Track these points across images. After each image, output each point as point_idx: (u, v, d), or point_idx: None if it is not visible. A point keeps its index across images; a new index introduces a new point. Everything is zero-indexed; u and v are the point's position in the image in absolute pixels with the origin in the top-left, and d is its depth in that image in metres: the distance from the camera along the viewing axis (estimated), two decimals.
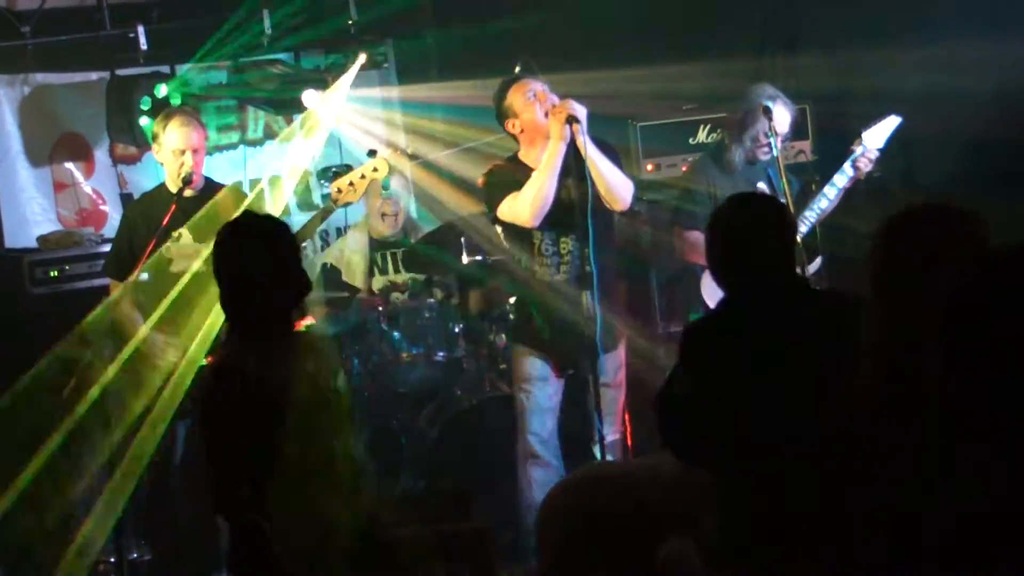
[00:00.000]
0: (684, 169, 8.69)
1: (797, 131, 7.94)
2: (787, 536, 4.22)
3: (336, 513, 4.82)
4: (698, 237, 7.35)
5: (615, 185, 6.96)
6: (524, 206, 7.01)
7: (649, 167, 8.88)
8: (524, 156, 7.22)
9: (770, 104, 7.44)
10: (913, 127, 7.65)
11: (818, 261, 7.69)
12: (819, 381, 4.12)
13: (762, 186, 7.53)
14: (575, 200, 6.93)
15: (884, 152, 7.52)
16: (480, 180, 7.34)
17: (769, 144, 7.48)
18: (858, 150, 7.50)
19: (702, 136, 8.93)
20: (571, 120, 6.84)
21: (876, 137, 7.51)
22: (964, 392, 2.71)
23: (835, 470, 4.11)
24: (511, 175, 7.14)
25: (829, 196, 7.53)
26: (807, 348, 4.41)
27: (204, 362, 7.09)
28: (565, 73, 7.47)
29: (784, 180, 7.32)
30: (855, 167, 7.51)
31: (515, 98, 7.12)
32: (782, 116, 7.54)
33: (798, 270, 6.77)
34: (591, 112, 6.94)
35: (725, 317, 4.82)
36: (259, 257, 4.90)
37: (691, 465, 4.89)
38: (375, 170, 7.41)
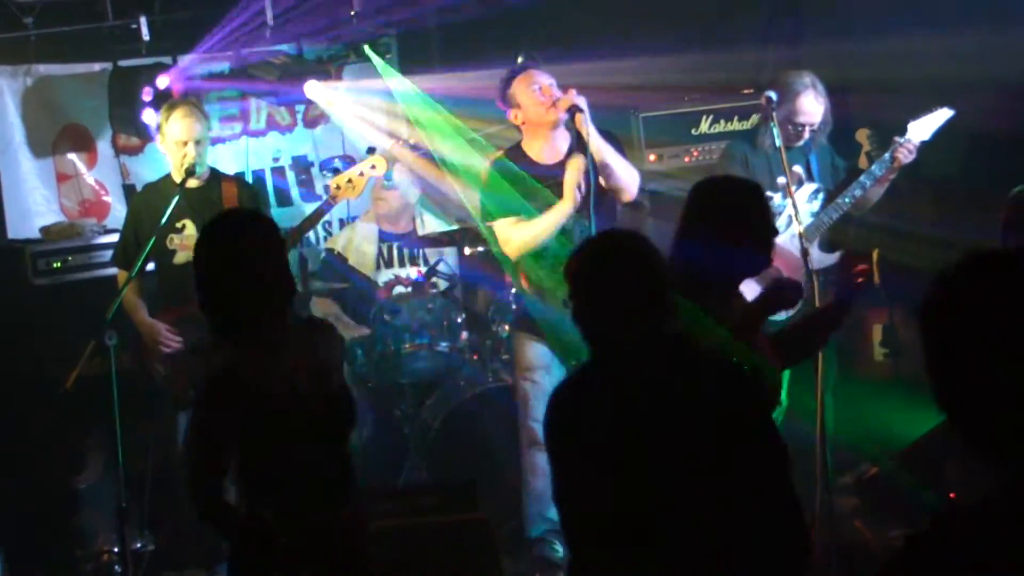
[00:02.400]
0: (687, 160, 8.74)
1: None
2: None
3: (325, 508, 4.78)
4: None
5: (620, 175, 6.97)
6: (515, 243, 7.09)
7: (652, 158, 8.88)
8: (527, 146, 7.23)
9: (772, 95, 7.42)
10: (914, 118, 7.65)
11: (838, 254, 7.71)
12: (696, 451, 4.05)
13: (798, 169, 7.54)
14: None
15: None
16: (482, 173, 7.35)
17: (799, 131, 7.53)
18: (900, 140, 7.50)
19: (705, 127, 8.93)
20: (574, 109, 6.86)
21: (922, 129, 7.51)
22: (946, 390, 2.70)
23: None
24: (512, 172, 7.15)
25: (865, 184, 7.52)
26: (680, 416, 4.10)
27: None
28: (568, 64, 7.46)
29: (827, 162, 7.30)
30: (894, 157, 7.51)
31: (519, 89, 7.13)
32: (812, 105, 7.56)
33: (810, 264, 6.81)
34: (594, 103, 6.95)
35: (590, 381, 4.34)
36: (236, 255, 4.68)
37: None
38: (373, 167, 7.46)
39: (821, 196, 7.67)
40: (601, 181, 6.91)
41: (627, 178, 7.01)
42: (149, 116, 8.30)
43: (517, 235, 7.08)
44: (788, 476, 4.19)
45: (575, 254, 4.47)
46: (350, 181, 7.42)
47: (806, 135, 7.65)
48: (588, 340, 4.30)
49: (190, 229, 7.45)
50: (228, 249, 4.70)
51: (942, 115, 7.52)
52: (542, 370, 7.16)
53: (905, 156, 7.50)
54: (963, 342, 2.62)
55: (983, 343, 2.59)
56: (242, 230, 4.78)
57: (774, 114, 7.37)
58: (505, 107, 7.23)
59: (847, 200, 7.55)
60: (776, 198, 7.31)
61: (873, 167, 7.55)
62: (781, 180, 7.29)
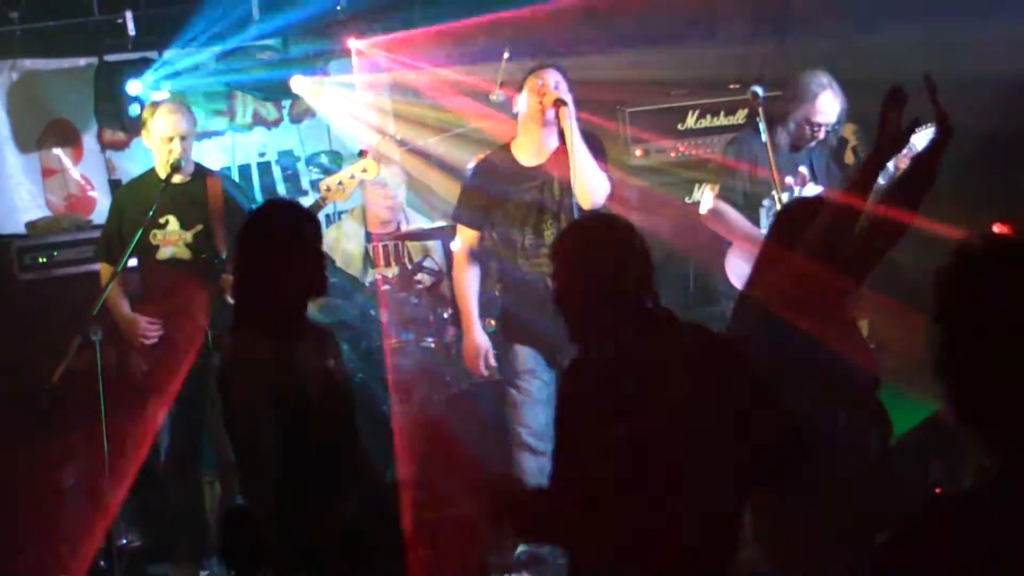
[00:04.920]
0: (672, 155, 8.74)
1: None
2: None
3: (335, 503, 4.80)
4: (727, 210, 7.50)
5: (589, 179, 6.94)
6: (456, 263, 7.50)
7: (638, 152, 8.87)
8: (515, 146, 7.25)
9: (759, 90, 7.44)
10: (910, 115, 7.64)
11: None
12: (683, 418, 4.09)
13: (803, 170, 7.53)
14: (559, 190, 7.01)
15: None
16: (466, 175, 7.43)
17: (813, 133, 7.50)
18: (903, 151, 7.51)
19: (691, 122, 8.92)
20: (559, 103, 6.88)
21: (922, 139, 7.51)
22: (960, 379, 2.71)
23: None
24: (488, 179, 7.22)
25: None
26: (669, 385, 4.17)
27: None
28: (554, 59, 7.45)
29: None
30: (896, 166, 7.52)
31: (531, 80, 7.16)
32: (830, 105, 7.53)
33: None
34: (580, 98, 6.97)
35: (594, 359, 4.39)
36: (280, 247, 4.79)
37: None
38: (364, 171, 7.46)
39: None
40: (572, 181, 6.91)
41: (593, 184, 6.97)
42: (135, 111, 8.30)
43: (459, 259, 7.46)
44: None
45: (562, 235, 4.65)
46: (341, 183, 7.44)
47: (821, 135, 7.60)
48: (568, 319, 4.36)
49: (173, 225, 7.44)
50: (278, 238, 4.80)
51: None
52: (529, 375, 7.18)
53: (905, 165, 7.50)
54: (980, 316, 2.64)
55: (999, 318, 2.61)
56: (293, 221, 4.88)
57: (761, 110, 7.39)
58: (518, 91, 7.26)
59: None
60: (783, 198, 7.33)
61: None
62: (788, 179, 7.32)
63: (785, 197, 7.30)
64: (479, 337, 7.34)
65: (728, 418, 4.13)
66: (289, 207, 5.23)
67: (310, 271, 4.84)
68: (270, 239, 4.80)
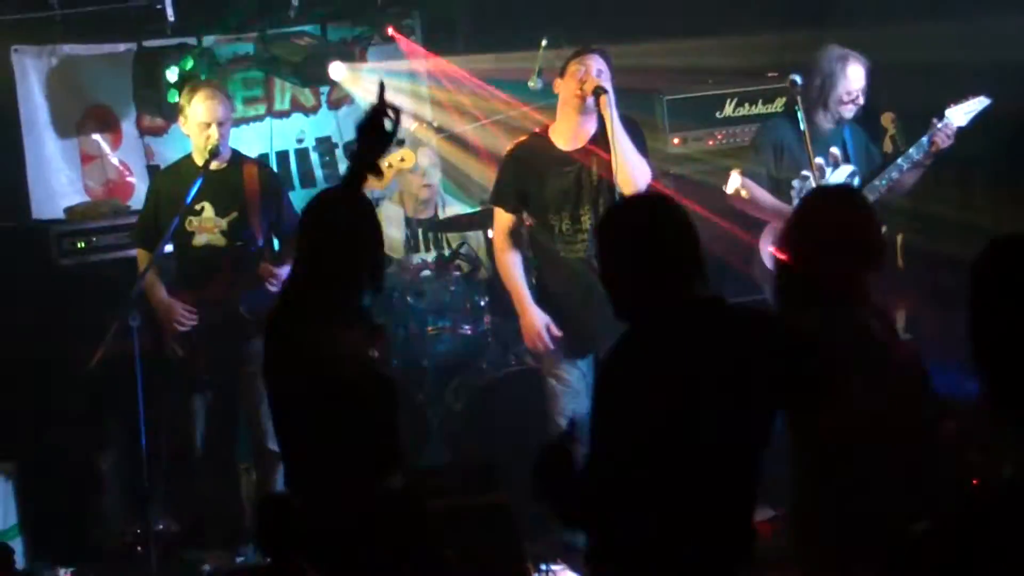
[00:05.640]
0: (710, 143, 8.73)
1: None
2: None
3: (370, 488, 4.79)
4: (754, 187, 7.59)
5: (631, 166, 6.93)
6: (496, 247, 7.46)
7: (676, 140, 8.86)
8: (553, 131, 7.23)
9: (797, 78, 7.46)
10: (946, 102, 7.62)
11: None
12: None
13: (835, 150, 7.53)
14: (597, 176, 6.99)
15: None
16: (504, 158, 7.40)
17: (853, 101, 7.55)
18: (939, 124, 7.49)
19: (729, 110, 8.91)
20: (599, 91, 6.86)
21: (960, 114, 7.50)
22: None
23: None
24: (527, 162, 7.22)
25: (902, 167, 7.51)
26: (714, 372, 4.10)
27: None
28: (593, 45, 7.43)
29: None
30: (932, 141, 7.49)
31: (573, 65, 7.13)
32: (857, 72, 7.55)
33: None
34: (618, 85, 6.95)
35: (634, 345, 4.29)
36: (339, 237, 4.78)
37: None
38: (402, 160, 7.46)
39: (856, 180, 7.62)
40: (613, 169, 6.88)
41: (635, 173, 6.96)
42: (173, 97, 8.31)
43: (499, 242, 7.38)
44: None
45: (605, 215, 4.69)
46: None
47: (861, 100, 7.62)
48: (613, 302, 4.34)
49: (208, 211, 7.46)
50: (349, 227, 4.82)
51: (979, 103, 7.50)
52: (569, 364, 7.17)
53: (943, 141, 7.48)
54: (1015, 306, 2.63)
55: None
56: (362, 211, 4.92)
57: (799, 98, 7.39)
58: (560, 76, 7.23)
59: (883, 183, 7.52)
60: (812, 179, 7.31)
61: (911, 150, 7.53)
62: (819, 160, 7.31)
63: (814, 180, 7.31)
64: (535, 312, 7.24)
65: (762, 396, 4.13)
66: (352, 197, 5.16)
67: (369, 264, 4.82)
68: (332, 228, 4.78)
